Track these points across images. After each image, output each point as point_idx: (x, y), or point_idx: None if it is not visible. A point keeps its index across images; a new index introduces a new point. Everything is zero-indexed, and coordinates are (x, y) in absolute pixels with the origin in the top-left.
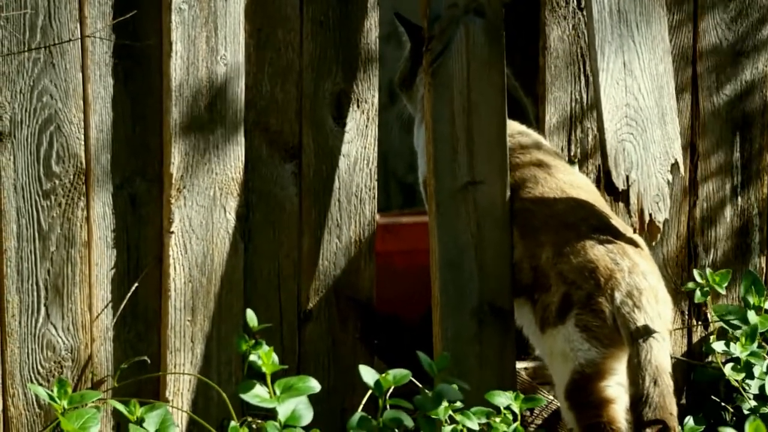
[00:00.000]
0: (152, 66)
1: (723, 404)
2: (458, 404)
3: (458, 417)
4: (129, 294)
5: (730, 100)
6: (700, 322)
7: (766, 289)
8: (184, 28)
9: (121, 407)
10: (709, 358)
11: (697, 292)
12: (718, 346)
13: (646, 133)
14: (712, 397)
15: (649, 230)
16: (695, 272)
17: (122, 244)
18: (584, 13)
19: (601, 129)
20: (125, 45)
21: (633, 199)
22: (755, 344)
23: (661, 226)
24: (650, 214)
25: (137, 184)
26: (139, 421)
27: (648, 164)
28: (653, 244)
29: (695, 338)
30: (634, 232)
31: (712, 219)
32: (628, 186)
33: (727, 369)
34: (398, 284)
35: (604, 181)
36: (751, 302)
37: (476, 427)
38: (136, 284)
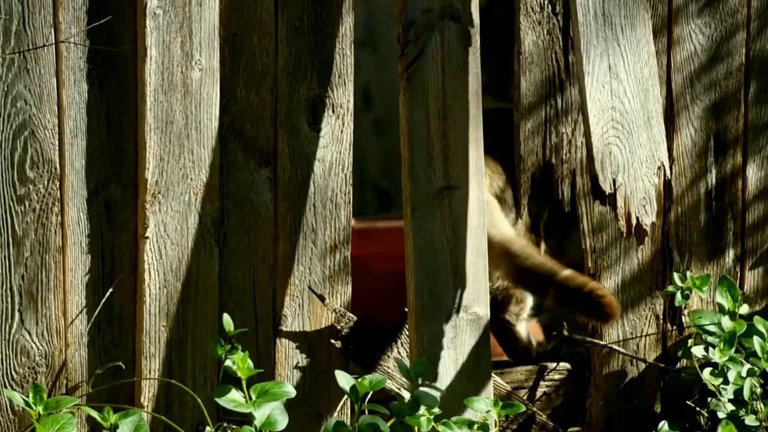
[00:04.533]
0: (127, 71)
1: (698, 409)
2: (436, 410)
3: (440, 428)
4: (104, 299)
5: (705, 105)
6: (675, 327)
7: (741, 293)
8: (159, 33)
9: (95, 414)
10: (684, 363)
11: (678, 295)
12: (698, 350)
13: (632, 136)
14: (687, 401)
15: (636, 234)
16: (675, 275)
17: (97, 249)
18: (559, 18)
19: (587, 133)
20: (100, 50)
21: (620, 203)
22: (733, 350)
23: (648, 229)
24: (637, 218)
25: (112, 189)
26: (113, 428)
27: (634, 168)
28: (640, 247)
29: (670, 342)
30: (622, 236)
31: (686, 223)
32: (615, 189)
33: (705, 374)
34: (374, 288)
35: (591, 185)
36: (726, 307)
37: None
38: (110, 290)
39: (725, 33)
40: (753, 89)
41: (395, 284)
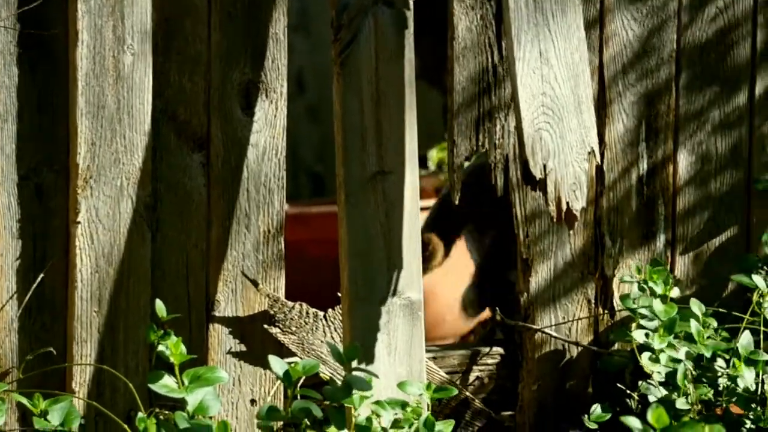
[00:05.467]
0: (59, 55)
1: (629, 392)
2: (368, 394)
3: (372, 407)
4: (35, 285)
5: (638, 91)
6: (606, 311)
7: (672, 277)
8: (91, 17)
9: (24, 400)
10: (616, 346)
11: (634, 287)
12: (639, 335)
13: (563, 121)
14: (618, 385)
15: (566, 219)
16: (634, 266)
17: (28, 234)
18: (492, 3)
19: (518, 118)
20: (31, 34)
21: (550, 188)
22: (672, 335)
23: (578, 214)
24: (567, 203)
25: (44, 174)
26: (43, 414)
27: (565, 153)
28: (570, 232)
29: (601, 327)
30: (552, 220)
31: (618, 208)
32: (546, 175)
33: (644, 359)
34: (308, 273)
35: (522, 170)
36: (657, 291)
37: (391, 418)
38: (41, 275)
39: (657, 21)
40: (684, 76)
41: (329, 269)
